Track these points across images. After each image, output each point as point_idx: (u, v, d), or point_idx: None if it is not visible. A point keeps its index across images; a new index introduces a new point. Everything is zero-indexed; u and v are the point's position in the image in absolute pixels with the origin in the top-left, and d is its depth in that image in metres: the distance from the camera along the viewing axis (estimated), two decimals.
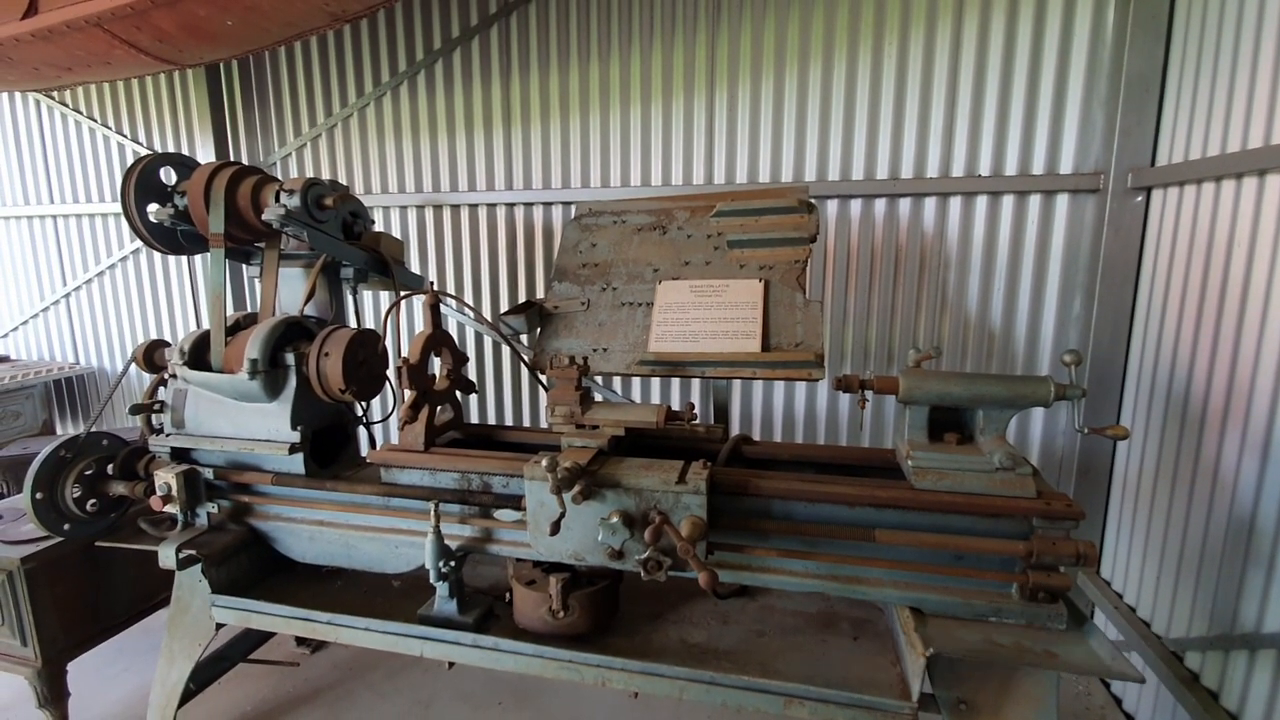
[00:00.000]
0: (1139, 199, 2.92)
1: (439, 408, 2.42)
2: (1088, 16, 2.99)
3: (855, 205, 3.41)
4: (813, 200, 2.56)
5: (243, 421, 2.39)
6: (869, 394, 1.98)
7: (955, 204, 3.27)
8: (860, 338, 3.52)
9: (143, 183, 2.50)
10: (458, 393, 2.55)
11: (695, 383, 3.74)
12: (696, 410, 2.23)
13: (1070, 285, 3.19)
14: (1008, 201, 3.21)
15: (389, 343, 2.52)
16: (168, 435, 2.46)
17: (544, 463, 1.77)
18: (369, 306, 4.35)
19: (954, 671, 1.75)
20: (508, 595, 2.23)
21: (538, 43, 3.77)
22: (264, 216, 2.33)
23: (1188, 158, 2.62)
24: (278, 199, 2.36)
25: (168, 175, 2.61)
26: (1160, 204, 2.82)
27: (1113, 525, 3.09)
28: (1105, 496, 3.15)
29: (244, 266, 2.79)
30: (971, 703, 1.74)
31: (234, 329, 2.47)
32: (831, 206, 3.44)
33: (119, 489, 2.49)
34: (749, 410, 3.75)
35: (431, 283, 2.64)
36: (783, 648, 2.08)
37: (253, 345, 2.29)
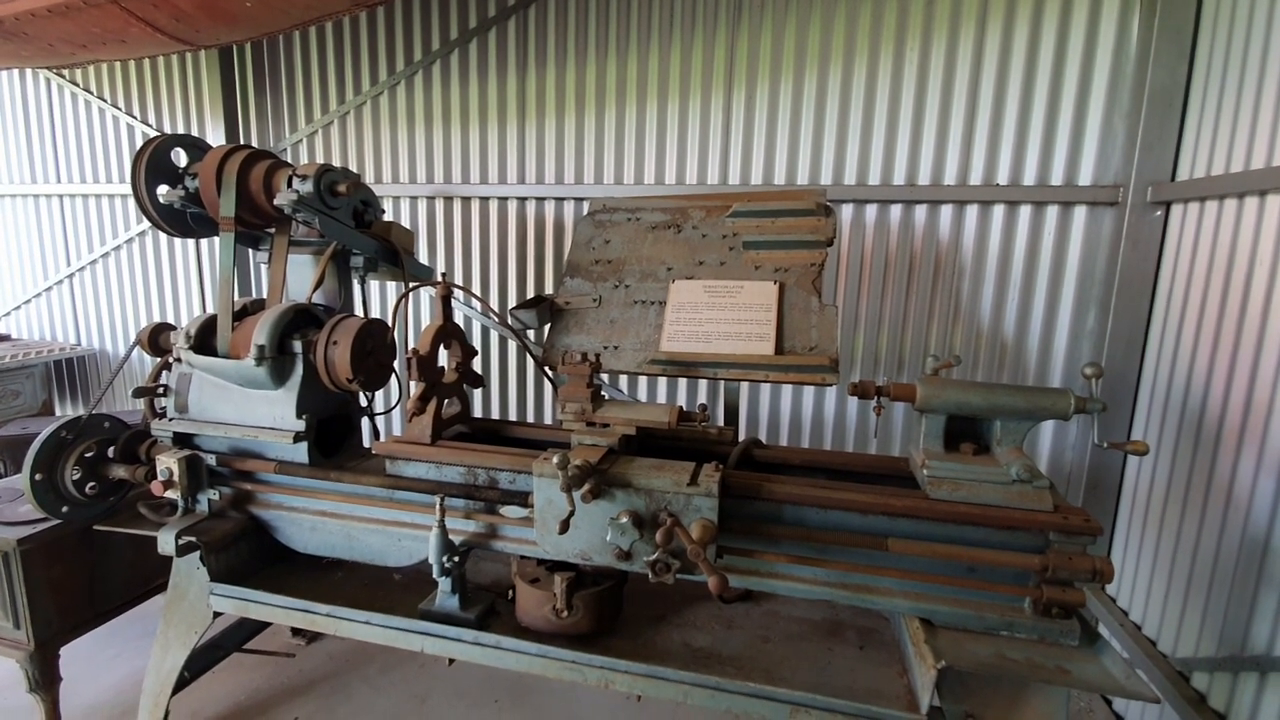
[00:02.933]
0: (1158, 213, 2.90)
1: (446, 401, 2.39)
2: (1111, 29, 2.97)
3: (870, 210, 3.38)
4: (829, 204, 2.53)
5: (247, 408, 2.36)
6: (883, 400, 1.95)
7: (972, 212, 3.25)
8: (871, 344, 3.49)
9: (154, 163, 2.47)
10: (465, 386, 2.53)
11: (702, 383, 3.71)
12: (708, 411, 2.20)
13: (1085, 298, 3.16)
14: (1025, 211, 3.18)
15: (396, 333, 2.49)
16: (171, 420, 2.43)
17: (554, 460, 1.74)
18: (372, 297, 4.32)
19: (963, 685, 1.72)
20: (510, 592, 2.20)
21: (555, 37, 3.74)
22: (277, 201, 2.30)
23: (1210, 173, 2.60)
24: (290, 184, 2.33)
25: (179, 157, 2.58)
26: (1180, 219, 2.79)
27: (1120, 541, 3.06)
28: (1114, 512, 3.12)
29: (250, 252, 2.76)
30: (980, 717, 1.71)
31: (240, 314, 2.45)
32: (846, 211, 3.41)
33: (119, 472, 2.46)
34: (756, 412, 3.72)
35: (444, 274, 2.61)
36: (787, 654, 2.06)
37: (260, 331, 2.26)
